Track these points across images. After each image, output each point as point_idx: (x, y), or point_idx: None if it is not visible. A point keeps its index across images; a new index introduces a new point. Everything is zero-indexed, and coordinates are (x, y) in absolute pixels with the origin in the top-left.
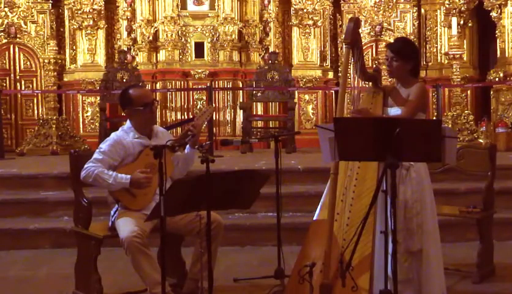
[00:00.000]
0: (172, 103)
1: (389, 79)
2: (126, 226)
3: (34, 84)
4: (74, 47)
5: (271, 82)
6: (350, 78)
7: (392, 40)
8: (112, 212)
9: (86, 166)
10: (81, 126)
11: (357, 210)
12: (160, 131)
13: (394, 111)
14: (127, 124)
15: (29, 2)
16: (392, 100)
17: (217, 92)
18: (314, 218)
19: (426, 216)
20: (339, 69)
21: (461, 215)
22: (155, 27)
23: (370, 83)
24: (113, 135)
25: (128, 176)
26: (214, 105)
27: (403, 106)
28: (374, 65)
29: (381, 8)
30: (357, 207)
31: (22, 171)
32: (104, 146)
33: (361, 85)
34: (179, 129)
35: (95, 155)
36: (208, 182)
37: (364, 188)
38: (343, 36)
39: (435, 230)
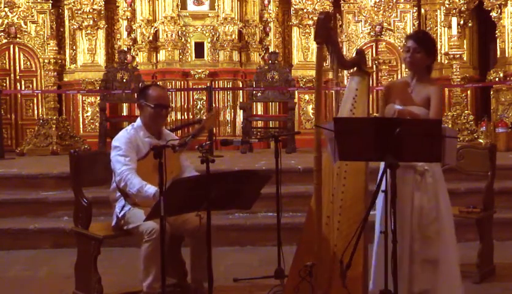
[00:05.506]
0: (172, 103)
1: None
2: None
3: (34, 84)
4: (74, 47)
5: (271, 82)
6: (342, 75)
7: (392, 40)
8: (118, 209)
9: (118, 171)
10: (81, 126)
11: (347, 212)
12: (169, 135)
13: (416, 108)
14: (137, 121)
15: (29, 2)
16: (407, 98)
17: (217, 92)
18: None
19: (443, 223)
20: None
21: (461, 215)
22: (155, 27)
23: (355, 68)
24: (124, 132)
25: (154, 189)
26: (214, 105)
27: (421, 105)
28: (374, 66)
29: (381, 8)
30: (347, 210)
31: (22, 171)
32: (120, 144)
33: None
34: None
35: (119, 158)
36: (208, 182)
37: (353, 188)
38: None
39: (453, 238)
